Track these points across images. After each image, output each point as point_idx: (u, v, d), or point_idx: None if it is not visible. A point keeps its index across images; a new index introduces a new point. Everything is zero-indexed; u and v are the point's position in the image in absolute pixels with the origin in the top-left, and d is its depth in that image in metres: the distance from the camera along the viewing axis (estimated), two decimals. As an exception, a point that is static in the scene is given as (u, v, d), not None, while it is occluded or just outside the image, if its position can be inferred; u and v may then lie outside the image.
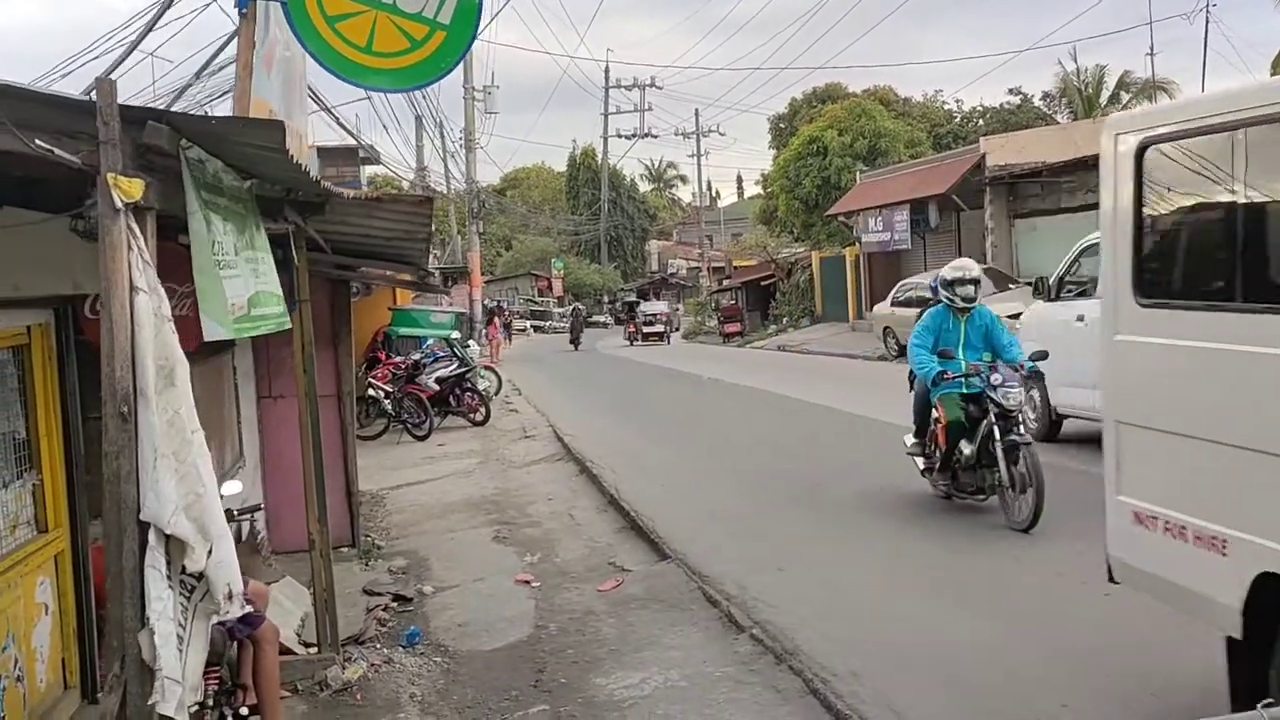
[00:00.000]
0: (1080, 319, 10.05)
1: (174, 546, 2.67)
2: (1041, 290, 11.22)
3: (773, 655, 5.34)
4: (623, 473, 10.75)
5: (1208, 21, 21.86)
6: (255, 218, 3.51)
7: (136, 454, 2.59)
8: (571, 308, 43.68)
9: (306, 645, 6.30)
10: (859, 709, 4.47)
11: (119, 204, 2.56)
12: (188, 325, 3.56)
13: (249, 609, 3.58)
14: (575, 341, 38.21)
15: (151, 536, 2.60)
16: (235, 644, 4.45)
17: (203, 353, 6.34)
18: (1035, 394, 10.65)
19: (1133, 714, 4.27)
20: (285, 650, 6.09)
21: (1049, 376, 10.24)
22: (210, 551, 2.75)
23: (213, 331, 3.15)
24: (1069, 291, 10.69)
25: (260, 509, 6.05)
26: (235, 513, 5.18)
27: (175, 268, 3.48)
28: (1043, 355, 8.28)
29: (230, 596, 2.85)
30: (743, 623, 5.85)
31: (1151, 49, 34.79)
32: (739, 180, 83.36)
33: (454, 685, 5.72)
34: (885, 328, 22.62)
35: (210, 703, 4.05)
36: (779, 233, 45.34)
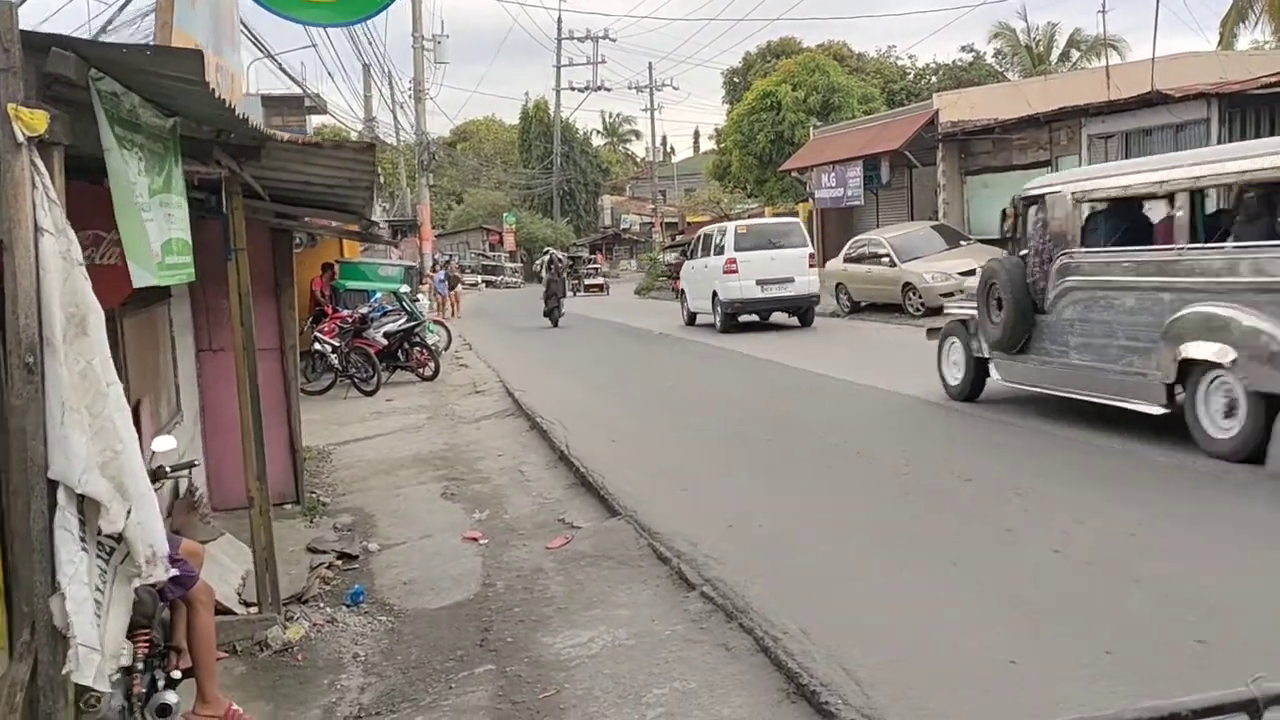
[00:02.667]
0: (694, 267, 22.00)
1: (89, 507, 2.51)
2: (685, 254, 25.40)
3: (723, 613, 5.27)
4: (573, 428, 10.63)
5: (1160, -21, 21.85)
6: (175, 159, 3.29)
7: (44, 408, 2.41)
8: (546, 256, 27.17)
9: (247, 605, 6.14)
10: (809, 667, 4.41)
11: (20, 137, 2.35)
12: (117, 274, 3.35)
13: (176, 571, 3.41)
14: (553, 312, 24.47)
15: (61, 496, 2.43)
16: (168, 605, 4.29)
17: (136, 302, 6.10)
18: (683, 305, 22.88)
19: (1081, 669, 4.25)
20: (225, 610, 5.94)
21: (688, 295, 22.63)
22: (129, 512, 2.58)
23: (141, 278, 2.95)
24: (695, 254, 22.38)
25: (195, 465, 5.85)
26: (169, 469, 4.99)
27: (101, 211, 3.28)
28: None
29: (153, 559, 2.69)
30: (693, 580, 5.78)
31: (1103, 6, 34.70)
32: (696, 135, 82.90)
33: (398, 645, 5.61)
34: (838, 284, 22.64)
35: (141, 666, 3.89)
36: (732, 188, 45.21)
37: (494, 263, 57.54)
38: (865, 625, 4.95)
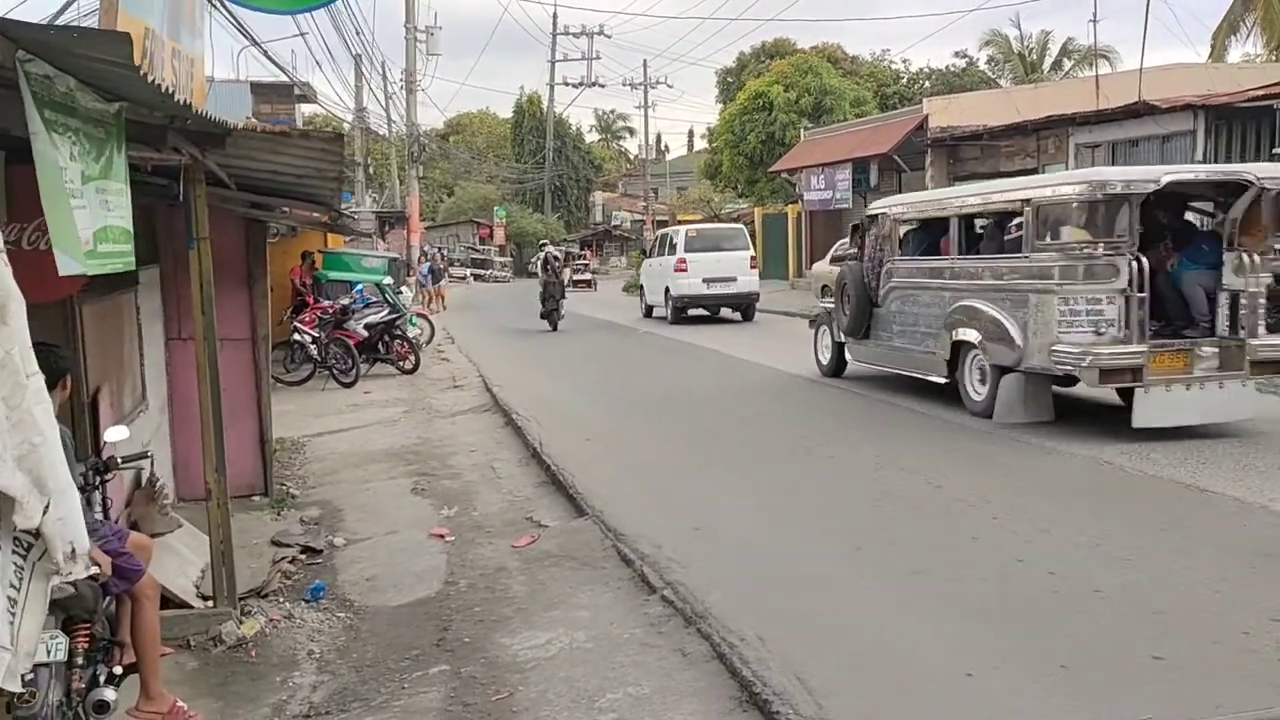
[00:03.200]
0: (651, 265, 24.62)
1: (3, 502, 2.43)
2: (646, 254, 26.89)
3: (682, 618, 5.21)
4: (548, 425, 10.57)
5: (1151, -11, 21.83)
6: (118, 145, 3.20)
7: (-43, 399, 2.33)
8: (542, 255, 23.23)
9: (205, 598, 6.06)
10: (763, 675, 4.35)
11: (-63, 119, 2.28)
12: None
13: (96, 569, 3.33)
14: (551, 314, 22.02)
15: (-29, 490, 2.36)
16: (113, 600, 4.22)
17: (98, 289, 6.02)
18: (642, 298, 25.60)
19: (1039, 681, 4.20)
20: (182, 603, 5.87)
21: (645, 290, 25.20)
22: (48, 507, 2.50)
23: (67, 266, 2.87)
24: (653, 253, 25.12)
25: (149, 456, 5.76)
26: (120, 460, 4.91)
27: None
28: None
29: (71, 556, 2.61)
30: (654, 583, 5.71)
31: (1095, 15, 34.85)
32: (690, 134, 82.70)
33: (355, 642, 5.54)
34: (824, 286, 22.52)
35: (81, 661, 3.82)
36: (723, 188, 45.19)
37: (484, 256, 57.36)
38: (824, 633, 4.90)
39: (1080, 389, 9.95)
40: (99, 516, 4.58)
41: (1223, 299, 9.08)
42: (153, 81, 2.75)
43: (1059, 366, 8.89)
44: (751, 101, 36.44)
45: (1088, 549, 5.90)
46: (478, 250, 58.81)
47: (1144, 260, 8.70)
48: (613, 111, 78.62)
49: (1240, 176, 9.15)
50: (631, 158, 78.35)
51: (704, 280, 22.11)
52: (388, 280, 18.12)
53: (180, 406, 8.24)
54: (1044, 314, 8.95)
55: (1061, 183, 9.52)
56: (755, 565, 5.99)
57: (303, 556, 7.09)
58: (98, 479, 4.67)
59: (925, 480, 7.69)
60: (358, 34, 55.95)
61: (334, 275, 17.90)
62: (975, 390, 9.99)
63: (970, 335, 9.90)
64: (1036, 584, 5.38)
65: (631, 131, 78.31)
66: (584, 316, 25.71)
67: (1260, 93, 16.41)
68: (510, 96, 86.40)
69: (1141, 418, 8.59)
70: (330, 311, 15.78)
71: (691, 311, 22.76)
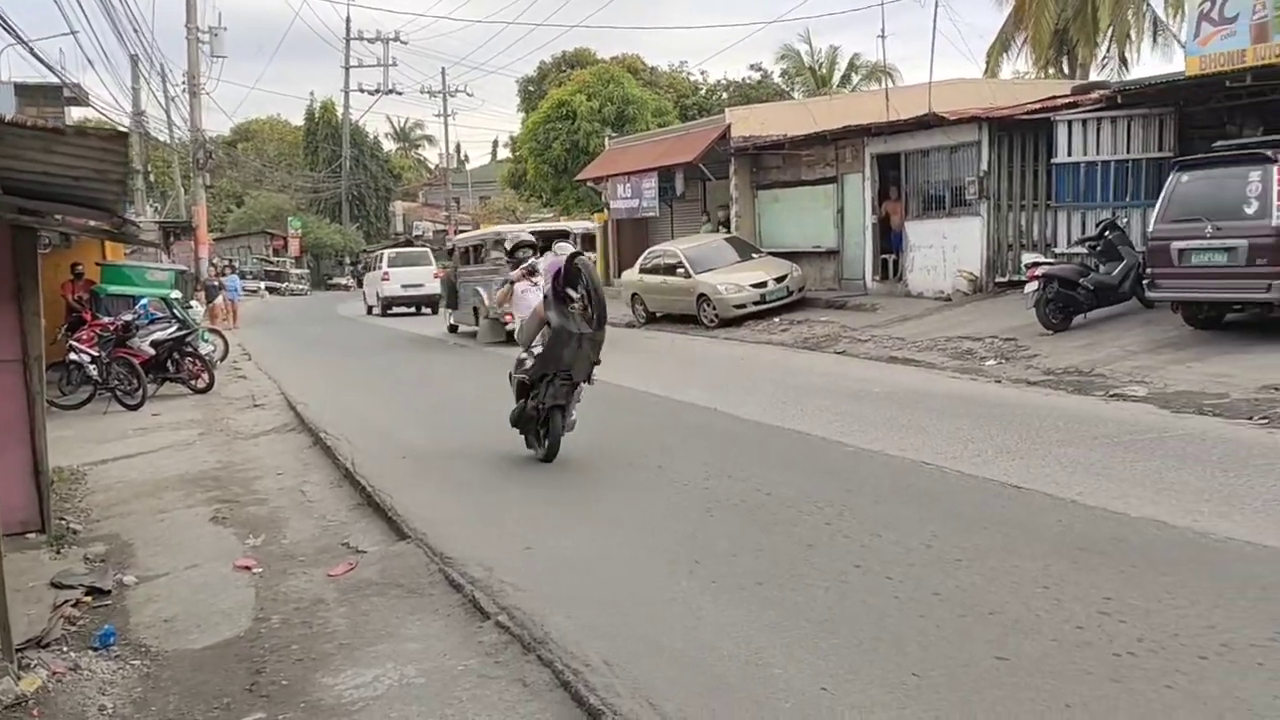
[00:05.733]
0: (369, 276, 36.93)
1: None
2: (365, 267, 41.56)
3: (520, 644, 4.91)
4: (360, 444, 10.05)
5: (936, 7, 22.97)
6: None
7: None
8: (549, 261, 10.84)
9: (-27, 654, 5.35)
10: (613, 703, 4.12)
11: None
12: None
13: None
14: (549, 419, 8.61)
15: None
16: None
17: None
18: (364, 300, 36.70)
19: (892, 694, 4.14)
20: (-54, 661, 5.16)
21: (366, 294, 36.52)
22: None
23: None
24: (370, 269, 37.67)
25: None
26: None
27: None
28: None
29: None
30: (488, 609, 5.39)
31: (882, 32, 36.58)
32: (495, 144, 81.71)
33: (154, 693, 4.98)
34: (634, 294, 22.66)
35: None
36: (528, 197, 44.90)
37: (278, 269, 55.04)
38: (673, 653, 4.69)
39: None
40: None
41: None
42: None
43: (492, 314, 18.68)
44: (555, 110, 36.36)
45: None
46: (271, 262, 56.38)
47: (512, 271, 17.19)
48: (408, 120, 77.23)
49: (561, 229, 19.84)
50: (432, 167, 77.03)
51: (402, 286, 32.93)
52: (175, 294, 16.99)
53: (-60, 437, 7.35)
54: (488, 291, 19.08)
55: (484, 234, 22.52)
56: (595, 583, 5.74)
57: (88, 599, 6.42)
58: None
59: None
60: (135, 32, 52.72)
61: (114, 289, 16.63)
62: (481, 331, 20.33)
63: (477, 303, 20.46)
64: (873, 591, 5.37)
65: (430, 140, 77.12)
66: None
67: (1036, 106, 17.49)
68: (302, 103, 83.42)
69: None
70: (111, 328, 14.62)
71: (395, 309, 32.64)
